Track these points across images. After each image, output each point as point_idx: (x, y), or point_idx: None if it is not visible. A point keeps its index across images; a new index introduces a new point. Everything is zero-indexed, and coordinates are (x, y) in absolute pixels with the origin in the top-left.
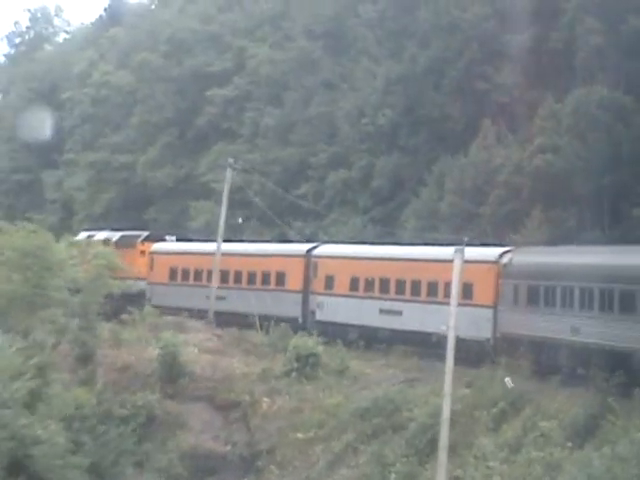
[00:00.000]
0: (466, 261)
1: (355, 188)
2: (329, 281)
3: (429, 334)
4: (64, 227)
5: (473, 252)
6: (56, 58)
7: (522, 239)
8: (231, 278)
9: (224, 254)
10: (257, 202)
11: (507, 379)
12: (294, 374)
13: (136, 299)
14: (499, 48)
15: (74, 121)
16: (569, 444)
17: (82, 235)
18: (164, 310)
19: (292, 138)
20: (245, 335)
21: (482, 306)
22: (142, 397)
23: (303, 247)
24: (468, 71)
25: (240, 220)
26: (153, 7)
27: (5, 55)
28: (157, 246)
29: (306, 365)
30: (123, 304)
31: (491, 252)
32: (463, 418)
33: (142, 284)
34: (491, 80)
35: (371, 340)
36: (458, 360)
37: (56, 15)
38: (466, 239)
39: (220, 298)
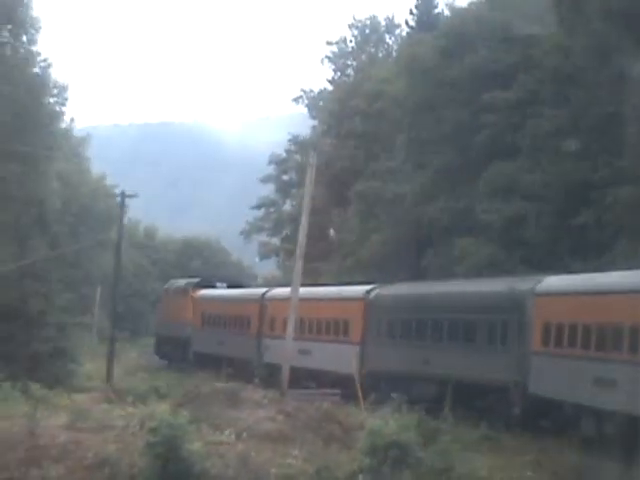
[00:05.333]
0: (343, 299)
1: None
2: (272, 324)
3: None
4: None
5: (349, 290)
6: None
7: None
8: (221, 323)
9: (215, 299)
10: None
11: None
12: (361, 477)
13: (187, 344)
14: None
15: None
16: None
17: (169, 283)
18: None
19: (575, 149)
20: (337, 413)
21: (351, 343)
22: None
23: (260, 291)
24: None
25: (332, 232)
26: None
27: (329, 81)
28: (200, 292)
29: (384, 462)
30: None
31: (360, 289)
32: None
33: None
34: None
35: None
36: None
37: (387, 32)
38: None
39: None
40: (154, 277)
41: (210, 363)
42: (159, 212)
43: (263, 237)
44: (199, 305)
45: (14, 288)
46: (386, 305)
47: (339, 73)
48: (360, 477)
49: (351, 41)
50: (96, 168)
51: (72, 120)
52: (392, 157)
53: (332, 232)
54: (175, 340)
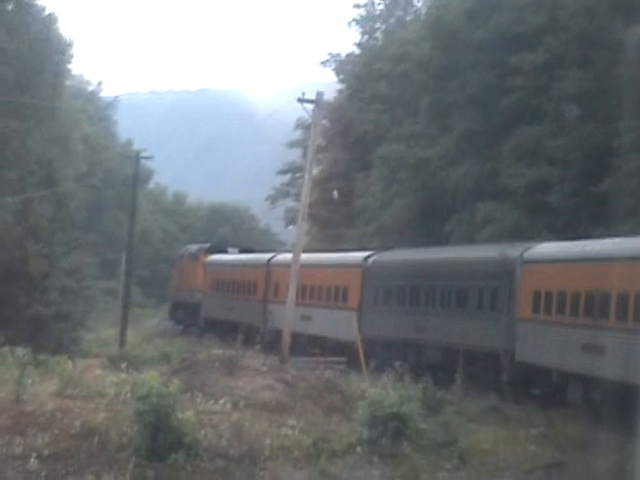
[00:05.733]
0: (342, 265)
1: None
2: (276, 290)
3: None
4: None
5: (348, 256)
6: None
7: None
8: (229, 288)
9: (224, 265)
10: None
11: None
12: (359, 449)
13: (197, 309)
14: None
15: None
16: None
17: (184, 248)
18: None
19: (598, 113)
20: (338, 382)
21: (350, 309)
22: None
23: (266, 256)
24: None
25: (335, 194)
26: None
27: (357, 44)
28: (211, 258)
29: (384, 434)
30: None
31: (358, 256)
32: None
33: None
34: None
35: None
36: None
37: None
38: None
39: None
40: (183, 243)
41: (220, 328)
42: (195, 178)
43: (290, 203)
44: (209, 270)
45: (15, 249)
46: (382, 272)
47: (367, 36)
48: (358, 449)
49: (379, 4)
50: (132, 134)
51: (99, 83)
52: (416, 121)
53: (335, 194)
54: (187, 305)
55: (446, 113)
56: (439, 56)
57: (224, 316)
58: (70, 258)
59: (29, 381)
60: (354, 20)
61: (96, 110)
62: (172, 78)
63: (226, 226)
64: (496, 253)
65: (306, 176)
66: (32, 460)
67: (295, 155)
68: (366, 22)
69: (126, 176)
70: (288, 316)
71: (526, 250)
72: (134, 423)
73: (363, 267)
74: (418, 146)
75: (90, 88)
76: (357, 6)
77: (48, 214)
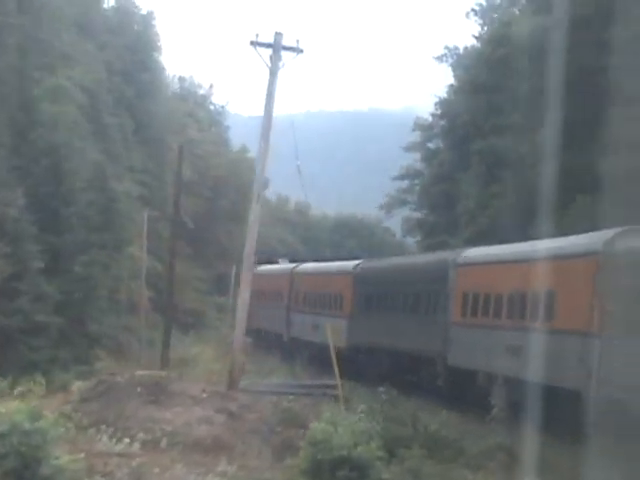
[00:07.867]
0: (338, 273)
1: None
2: (296, 297)
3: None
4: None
5: (342, 264)
6: None
7: None
8: (264, 297)
9: (261, 275)
10: None
11: None
12: None
13: None
14: None
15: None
16: None
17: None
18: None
19: None
20: (302, 412)
21: (341, 317)
22: None
23: (291, 266)
24: None
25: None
26: None
27: (476, 37)
28: (258, 269)
29: None
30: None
31: (350, 264)
32: None
33: None
34: None
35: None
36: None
37: None
38: None
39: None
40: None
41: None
42: (363, 197)
43: (406, 212)
44: (254, 281)
45: None
46: (366, 279)
47: (486, 28)
48: None
49: None
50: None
51: (211, 86)
52: (516, 110)
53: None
54: None
55: (542, 100)
56: (536, 35)
57: (261, 325)
58: (79, 261)
59: None
60: (473, 11)
61: (207, 115)
62: (339, 98)
63: (353, 238)
64: (435, 258)
65: (261, 143)
66: None
67: (412, 159)
68: (486, 13)
69: (240, 184)
70: (239, 326)
71: (460, 254)
72: None
73: (353, 274)
74: (517, 140)
75: (201, 92)
76: None
77: (20, 203)
